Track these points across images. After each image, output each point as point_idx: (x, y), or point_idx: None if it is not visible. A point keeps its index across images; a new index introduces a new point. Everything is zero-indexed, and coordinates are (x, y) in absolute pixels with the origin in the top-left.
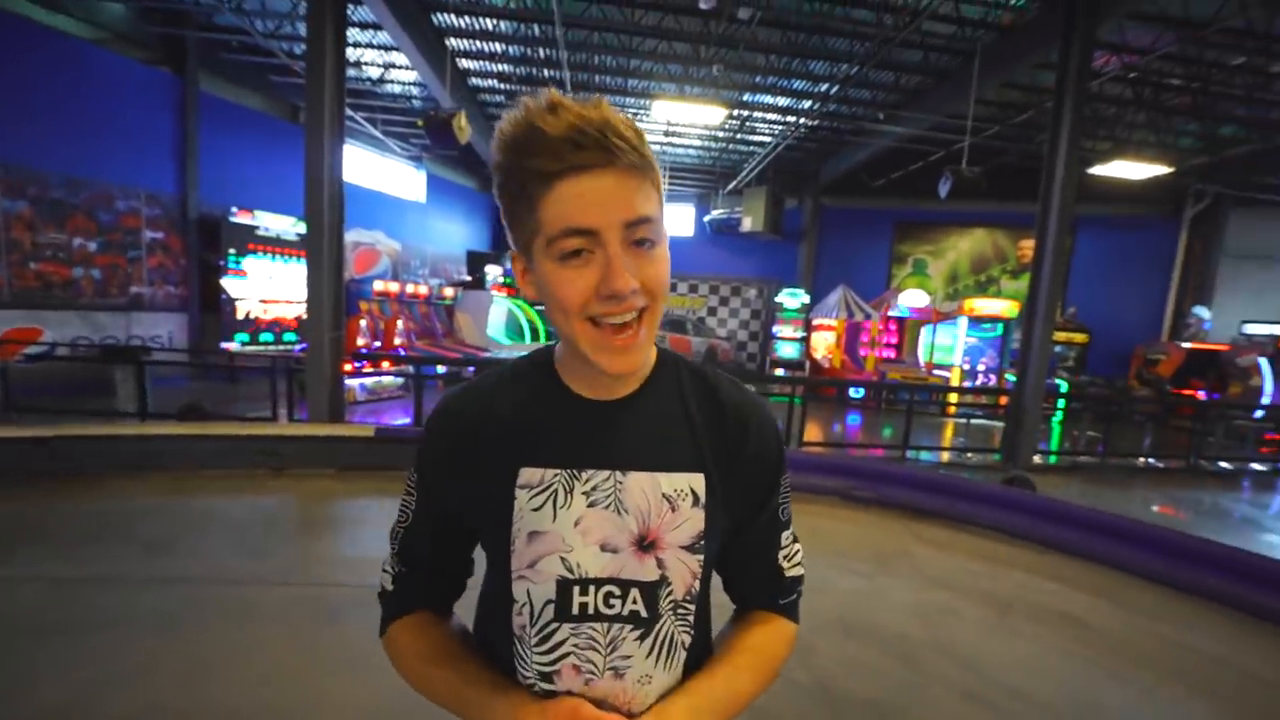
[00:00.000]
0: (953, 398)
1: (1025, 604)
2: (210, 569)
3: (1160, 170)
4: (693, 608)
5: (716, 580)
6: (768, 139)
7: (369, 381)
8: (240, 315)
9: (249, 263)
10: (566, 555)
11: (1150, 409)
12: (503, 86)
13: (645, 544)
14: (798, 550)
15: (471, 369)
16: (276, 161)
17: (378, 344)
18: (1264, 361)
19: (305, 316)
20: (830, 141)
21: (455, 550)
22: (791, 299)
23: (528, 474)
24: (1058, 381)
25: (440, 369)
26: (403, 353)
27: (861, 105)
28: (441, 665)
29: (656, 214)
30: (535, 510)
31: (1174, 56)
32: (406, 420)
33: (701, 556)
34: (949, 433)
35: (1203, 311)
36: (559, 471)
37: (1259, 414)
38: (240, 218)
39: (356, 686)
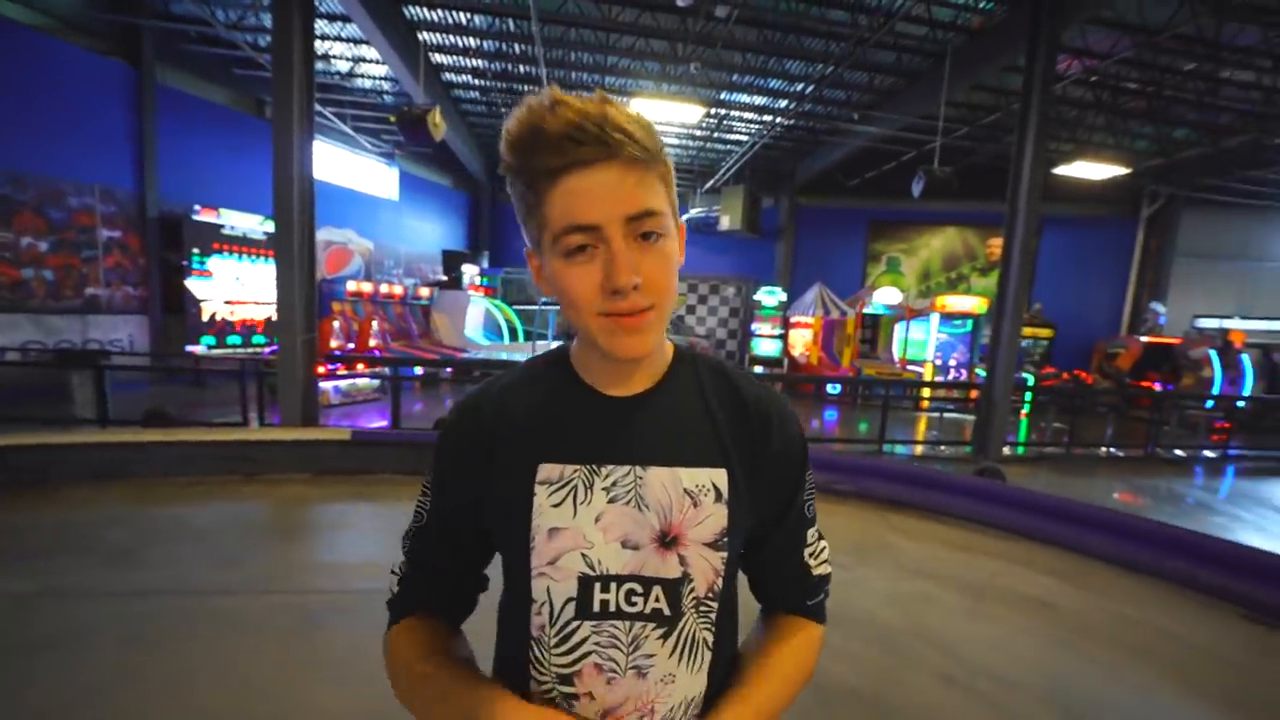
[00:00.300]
0: (925, 392)
1: (998, 589)
2: (181, 579)
3: (1118, 171)
4: (715, 605)
5: (741, 580)
6: (744, 138)
7: (343, 384)
8: (206, 317)
9: (214, 263)
10: (587, 552)
11: (1111, 400)
12: (478, 82)
13: (667, 540)
14: (824, 548)
15: (449, 370)
16: (241, 158)
17: (351, 346)
18: (1214, 354)
19: (275, 318)
20: (806, 141)
21: (468, 554)
22: (769, 297)
23: (547, 470)
24: (1025, 375)
25: (417, 370)
26: (378, 354)
27: (836, 105)
28: (429, 663)
29: (662, 207)
30: (555, 506)
31: (1131, 61)
32: (384, 423)
33: (725, 554)
34: (922, 426)
35: (1158, 306)
36: (578, 467)
37: (1209, 404)
38: (204, 216)
39: (341, 693)
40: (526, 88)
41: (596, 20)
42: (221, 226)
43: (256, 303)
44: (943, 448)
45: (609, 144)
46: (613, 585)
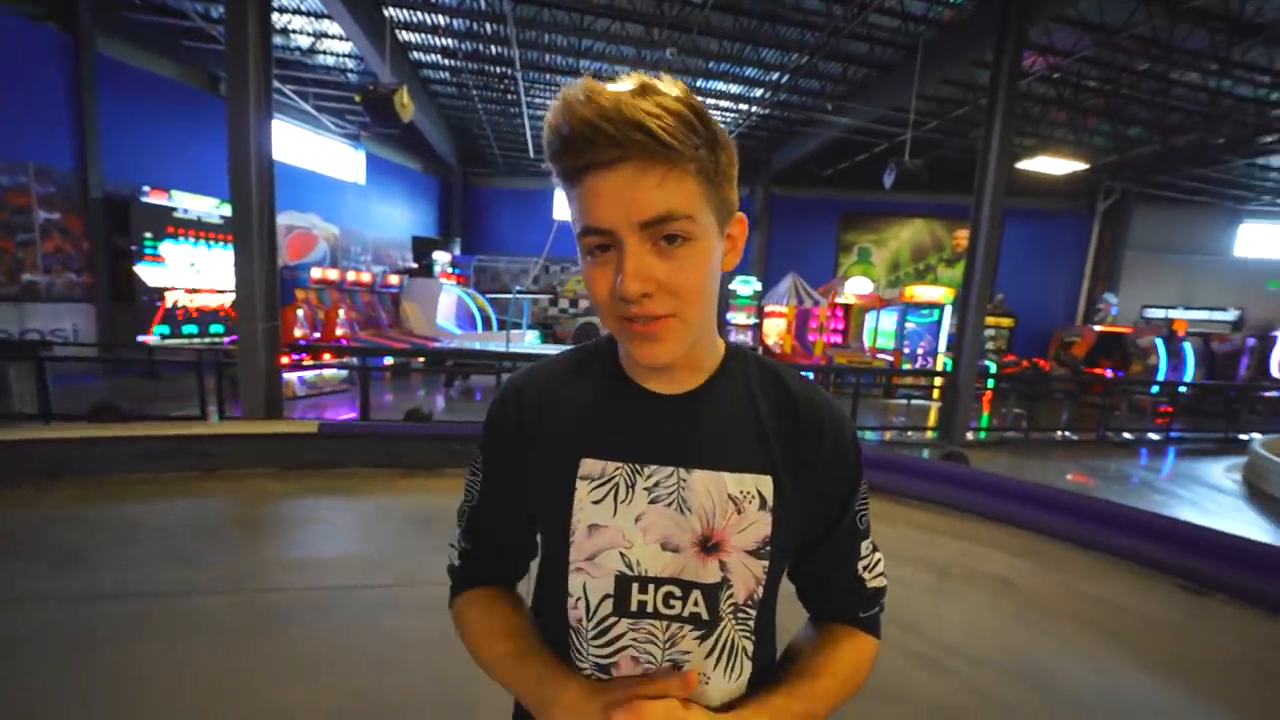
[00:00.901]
0: (894, 380)
1: (961, 569)
2: (134, 580)
3: (1077, 166)
4: (754, 613)
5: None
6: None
7: (309, 375)
8: (160, 305)
9: (167, 248)
10: (626, 551)
11: (1066, 387)
12: (448, 62)
13: (709, 545)
14: (879, 560)
15: (420, 360)
16: (194, 136)
17: (317, 335)
18: (1159, 341)
19: (235, 306)
20: (781, 131)
21: (519, 531)
22: (744, 286)
23: (589, 465)
24: (986, 363)
25: (387, 360)
26: (345, 343)
27: (811, 95)
28: (503, 639)
29: (687, 208)
30: (596, 504)
31: (1091, 60)
32: (353, 415)
33: (767, 562)
34: (891, 413)
35: (1111, 297)
36: (621, 465)
37: (1155, 389)
38: (154, 198)
39: (311, 692)
40: (499, 69)
41: (571, 1)
42: (174, 209)
43: (214, 290)
44: (910, 433)
45: (621, 143)
46: (651, 587)
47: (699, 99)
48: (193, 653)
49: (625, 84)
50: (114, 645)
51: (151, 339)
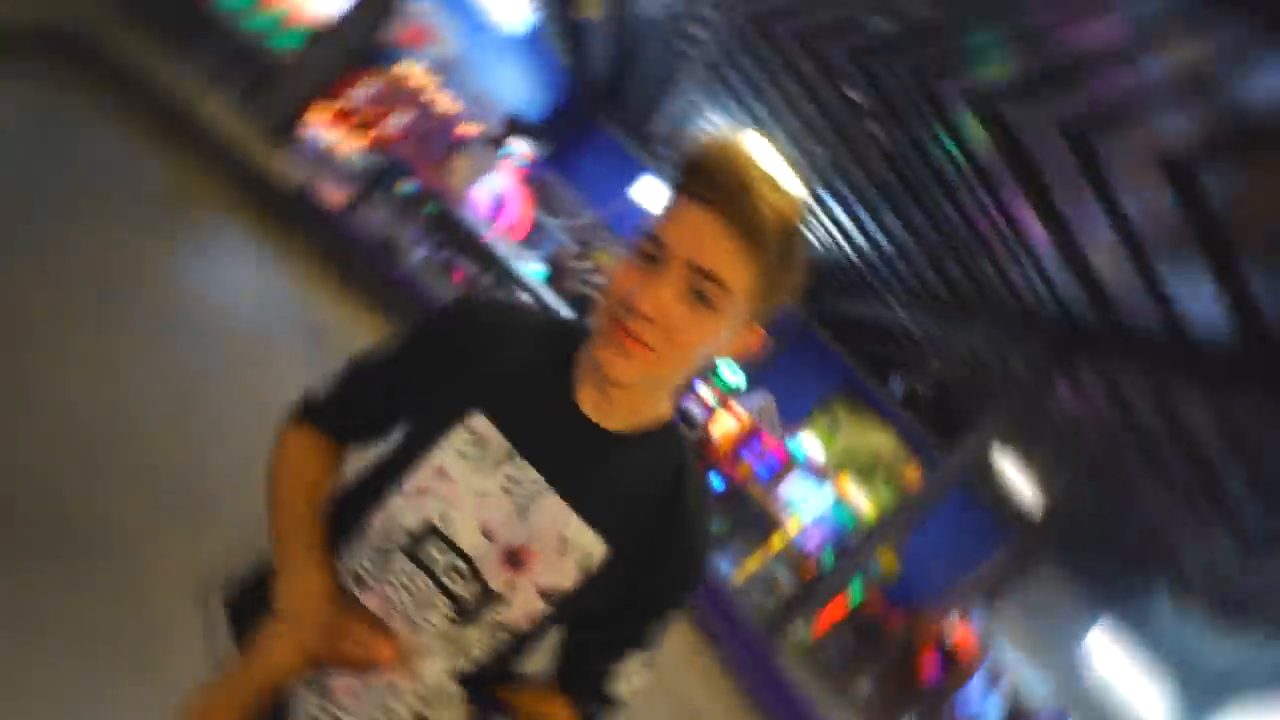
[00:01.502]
0: None
1: None
2: None
3: None
4: (507, 637)
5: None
6: (804, 256)
7: None
8: None
9: None
10: (451, 511)
11: None
12: None
13: (514, 559)
14: (639, 680)
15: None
16: None
17: None
18: None
19: None
20: (857, 284)
21: (388, 415)
22: (732, 374)
23: (479, 422)
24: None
25: None
26: None
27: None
28: (302, 492)
29: (732, 282)
30: (459, 454)
31: None
32: None
33: (548, 608)
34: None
35: None
36: (504, 443)
37: None
38: None
39: None
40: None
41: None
42: None
43: None
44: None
45: (734, 208)
46: (450, 553)
47: (802, 216)
48: None
49: (766, 161)
50: None
51: None
